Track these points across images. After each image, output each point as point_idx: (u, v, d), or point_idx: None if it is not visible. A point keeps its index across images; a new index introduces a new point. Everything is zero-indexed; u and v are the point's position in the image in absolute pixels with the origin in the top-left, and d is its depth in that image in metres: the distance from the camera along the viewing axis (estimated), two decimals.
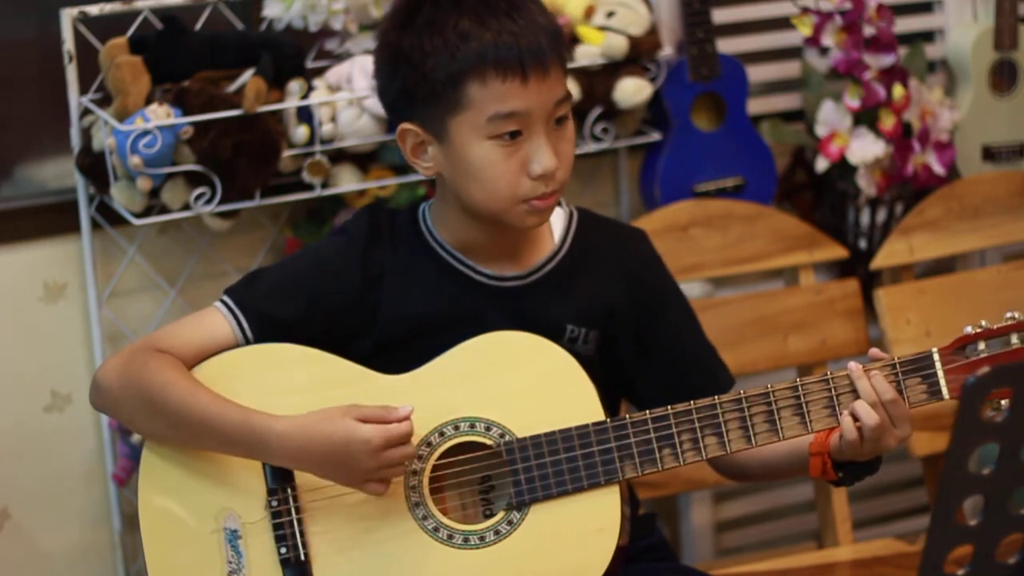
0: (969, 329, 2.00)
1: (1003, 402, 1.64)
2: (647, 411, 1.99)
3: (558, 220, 2.14)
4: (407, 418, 1.94)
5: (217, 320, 2.05)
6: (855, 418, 1.96)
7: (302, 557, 1.98)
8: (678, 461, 1.99)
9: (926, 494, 3.12)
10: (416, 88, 1.98)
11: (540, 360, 2.03)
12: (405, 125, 2.02)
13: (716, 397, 2.00)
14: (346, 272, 2.07)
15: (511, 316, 2.07)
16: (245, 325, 2.04)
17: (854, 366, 1.98)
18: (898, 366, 1.99)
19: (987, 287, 2.99)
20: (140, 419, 2.02)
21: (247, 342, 2.04)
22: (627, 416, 2.00)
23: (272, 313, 2.05)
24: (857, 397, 1.97)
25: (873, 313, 2.90)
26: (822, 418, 1.99)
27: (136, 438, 2.71)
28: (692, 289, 3.00)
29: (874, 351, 2.01)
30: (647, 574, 2.15)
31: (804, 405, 1.99)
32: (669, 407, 1.99)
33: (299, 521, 1.98)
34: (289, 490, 1.99)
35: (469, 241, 2.09)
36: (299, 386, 2.01)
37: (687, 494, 3.18)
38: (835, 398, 1.99)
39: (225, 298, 2.07)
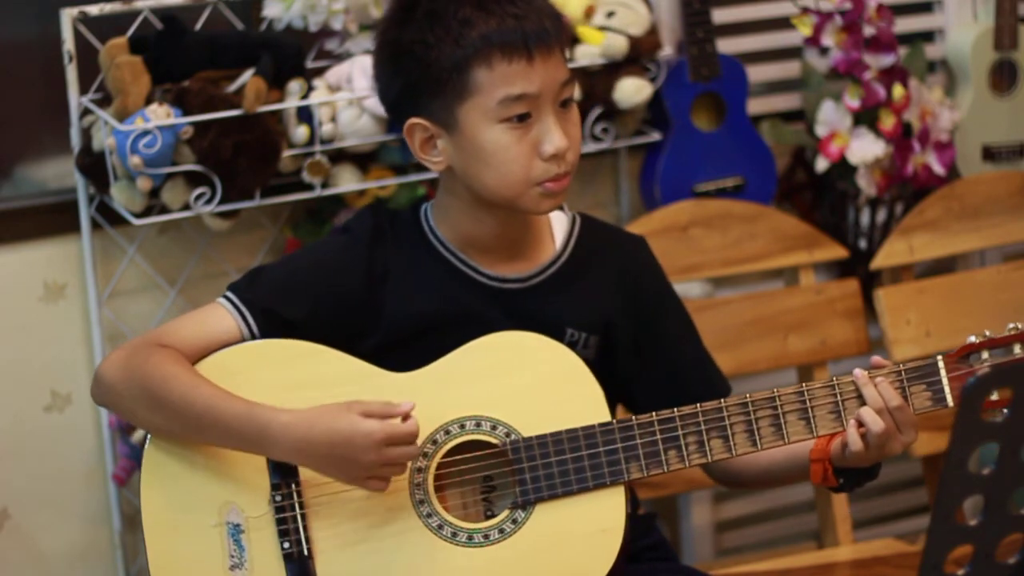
0: (973, 338, 2.00)
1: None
2: (653, 413, 2.00)
3: (560, 224, 2.15)
4: (409, 414, 1.93)
5: (222, 316, 2.04)
6: (860, 424, 1.96)
7: (305, 552, 1.97)
8: (683, 463, 2.00)
9: (926, 494, 3.12)
10: (421, 80, 1.98)
11: (547, 360, 2.03)
12: (412, 120, 2.02)
13: (722, 400, 2.00)
14: (350, 271, 2.07)
15: (512, 317, 2.07)
16: (251, 321, 2.04)
17: (860, 372, 1.99)
18: (903, 373, 1.99)
19: (987, 287, 2.99)
20: (142, 412, 2.01)
21: (252, 338, 2.04)
22: (633, 417, 2.00)
23: (277, 310, 2.04)
24: (862, 403, 1.98)
25: (873, 313, 2.90)
26: (827, 423, 2.00)
27: (136, 438, 2.71)
28: (692, 289, 3.00)
29: (876, 358, 2.01)
30: (647, 574, 2.15)
31: (810, 410, 2.00)
32: (675, 409, 2.00)
33: (303, 516, 1.98)
34: (293, 485, 1.98)
35: (473, 238, 2.08)
36: (306, 382, 2.00)
37: (687, 494, 3.18)
38: (840, 403, 1.99)
39: (229, 294, 2.06)
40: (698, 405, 2.00)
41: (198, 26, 2.74)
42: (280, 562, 1.98)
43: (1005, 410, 1.63)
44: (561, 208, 2.14)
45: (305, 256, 2.15)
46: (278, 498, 1.98)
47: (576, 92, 2.06)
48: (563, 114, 2.01)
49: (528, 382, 2.02)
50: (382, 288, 2.08)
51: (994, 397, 1.77)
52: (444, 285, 2.08)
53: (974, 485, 1.64)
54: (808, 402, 2.00)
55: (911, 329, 2.88)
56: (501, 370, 2.02)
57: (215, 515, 1.99)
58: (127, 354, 2.02)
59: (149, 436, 2.03)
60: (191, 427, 1.97)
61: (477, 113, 1.97)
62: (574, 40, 2.86)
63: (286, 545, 1.98)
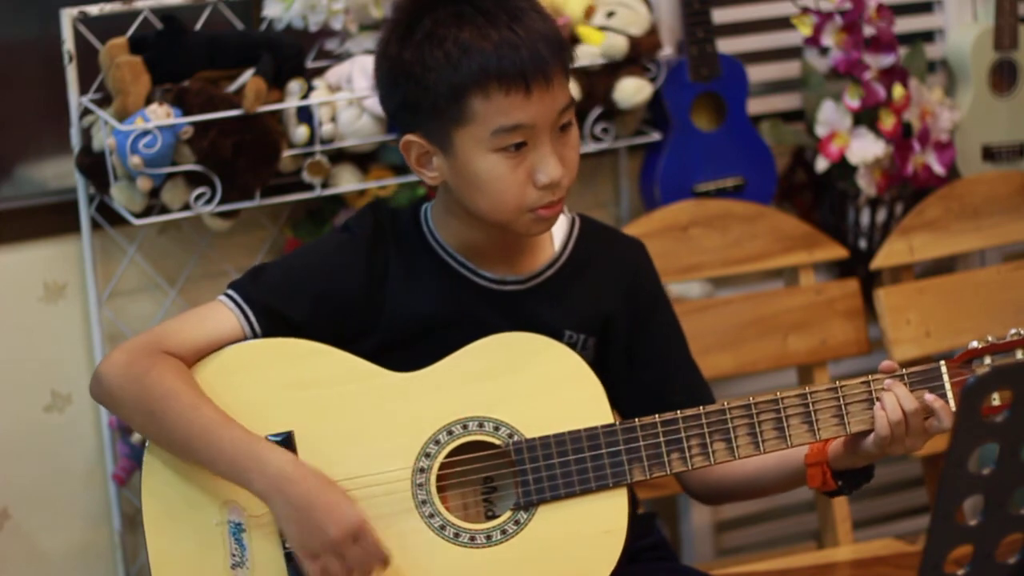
0: (975, 344, 2.01)
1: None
2: (656, 415, 2.00)
3: (559, 227, 2.14)
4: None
5: (224, 315, 2.04)
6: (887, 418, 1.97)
7: None
8: (686, 465, 2.00)
9: (926, 494, 3.12)
10: (419, 101, 1.98)
11: (550, 361, 2.03)
12: (409, 136, 2.02)
13: (725, 402, 2.01)
14: (350, 270, 2.07)
15: (511, 320, 2.07)
16: (253, 320, 2.03)
17: (890, 382, 1.99)
18: (906, 377, 2.00)
19: (987, 287, 2.99)
20: (138, 422, 2.02)
21: (255, 336, 2.04)
22: (636, 419, 2.00)
23: (279, 308, 2.04)
24: (866, 408, 1.99)
25: (873, 313, 2.90)
26: (830, 427, 2.00)
27: (136, 438, 2.71)
28: (692, 289, 3.00)
29: (888, 363, 2.02)
30: (647, 574, 2.15)
31: (813, 413, 2.00)
32: (678, 411, 2.00)
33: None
34: None
35: (471, 245, 2.09)
36: (308, 382, 2.00)
37: (687, 494, 3.18)
38: (843, 407, 2.00)
39: (231, 292, 2.06)
40: (701, 407, 2.00)
41: (198, 26, 2.74)
42: (281, 561, 1.97)
43: (1006, 411, 1.63)
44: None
45: (306, 255, 2.15)
46: None
47: (575, 92, 2.05)
48: (561, 138, 2.00)
49: (531, 383, 2.02)
50: (382, 288, 2.08)
51: (995, 403, 1.78)
52: (443, 286, 2.08)
53: (974, 485, 1.64)
54: (811, 405, 2.00)
55: (911, 329, 2.88)
56: (504, 371, 2.02)
57: (216, 513, 1.98)
58: (128, 359, 2.01)
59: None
60: (184, 447, 1.97)
61: (472, 140, 1.97)
62: (573, 40, 2.86)
63: (287, 544, 1.97)
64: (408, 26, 1.98)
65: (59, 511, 2.84)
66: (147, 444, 2.02)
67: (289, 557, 1.97)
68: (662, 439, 2.00)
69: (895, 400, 1.97)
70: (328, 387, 2.00)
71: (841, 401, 2.00)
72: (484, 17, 1.95)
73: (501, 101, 1.94)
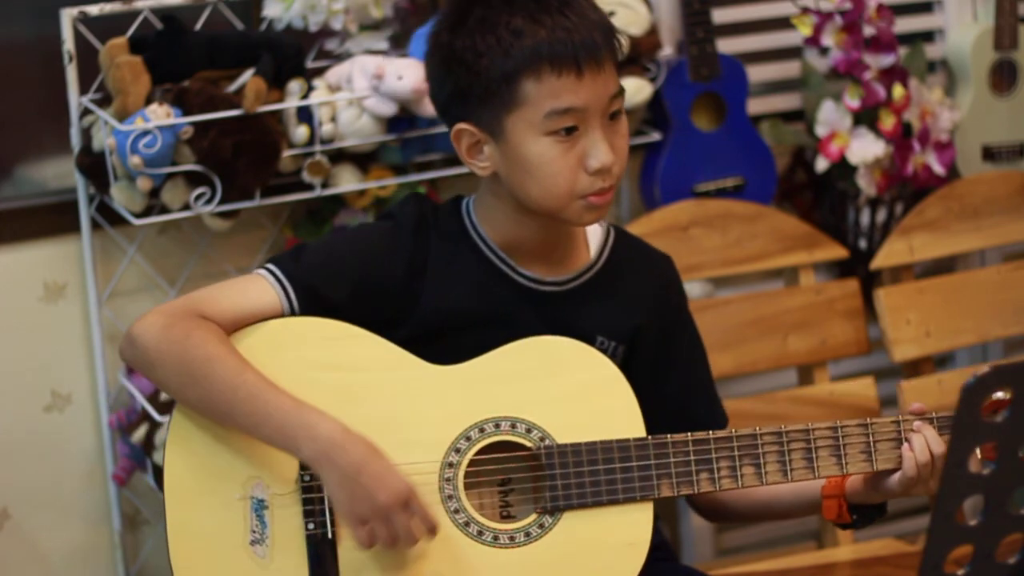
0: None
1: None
2: (688, 433, 2.00)
3: (595, 234, 2.15)
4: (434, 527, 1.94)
5: (264, 289, 2.02)
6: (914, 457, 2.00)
7: (329, 535, 1.96)
8: (714, 486, 2.01)
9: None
10: (470, 88, 1.98)
11: (587, 369, 2.03)
12: (460, 125, 2.02)
13: (757, 428, 2.02)
14: (392, 258, 2.07)
15: (546, 321, 2.07)
16: (293, 297, 2.02)
17: (920, 424, 2.02)
18: (935, 421, 2.02)
19: (987, 287, 2.99)
20: (175, 385, 1.98)
21: (293, 314, 2.03)
22: (668, 436, 2.01)
23: (319, 288, 2.03)
24: (894, 447, 2.01)
25: (873, 313, 2.90)
26: (857, 462, 2.02)
27: (136, 438, 2.71)
28: (692, 289, 3.00)
29: (917, 405, 2.04)
30: (647, 574, 2.15)
31: (842, 447, 2.02)
32: (710, 432, 2.01)
33: (329, 498, 1.97)
34: None
35: (514, 240, 2.08)
36: (345, 364, 2.00)
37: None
38: (872, 444, 2.01)
39: (272, 267, 2.04)
40: (733, 430, 2.01)
41: (198, 26, 2.74)
42: (302, 542, 1.96)
43: (1006, 411, 1.63)
44: None
45: (349, 238, 2.14)
46: (307, 478, 1.96)
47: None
48: (611, 127, 2.00)
49: (566, 389, 2.02)
50: (420, 279, 2.07)
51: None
52: (481, 282, 2.08)
53: (974, 485, 1.64)
54: (841, 439, 2.02)
55: (911, 329, 2.88)
56: (540, 374, 2.02)
57: (240, 488, 1.97)
58: (166, 321, 1.98)
59: (177, 403, 2.00)
60: (226, 410, 1.95)
61: (524, 124, 1.97)
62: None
63: (310, 526, 1.96)
64: (459, 15, 1.99)
65: (59, 511, 2.84)
66: (173, 411, 1.99)
67: (311, 539, 1.96)
68: (692, 458, 2.00)
69: (924, 442, 2.00)
70: (363, 372, 2.00)
71: (871, 438, 2.02)
72: (536, 4, 1.96)
73: (553, 83, 1.95)
